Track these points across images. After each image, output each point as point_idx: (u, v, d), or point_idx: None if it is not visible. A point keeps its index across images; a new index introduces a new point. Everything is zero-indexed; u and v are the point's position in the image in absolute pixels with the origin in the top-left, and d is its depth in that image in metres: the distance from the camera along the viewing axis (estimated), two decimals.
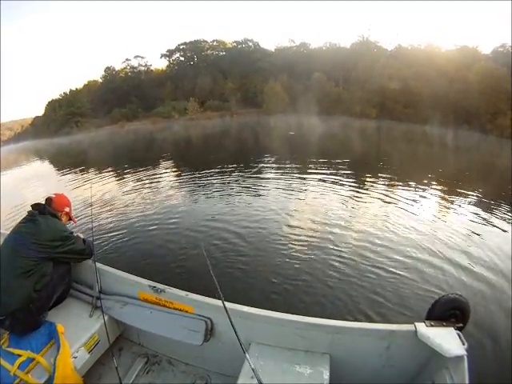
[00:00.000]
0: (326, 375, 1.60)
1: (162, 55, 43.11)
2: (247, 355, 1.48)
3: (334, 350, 1.70)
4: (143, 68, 44.39)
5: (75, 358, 1.93)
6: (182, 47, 42.11)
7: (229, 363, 1.94)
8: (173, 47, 43.36)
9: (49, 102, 50.10)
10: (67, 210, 2.45)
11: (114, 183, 10.38)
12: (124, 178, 10.84)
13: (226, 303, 1.77)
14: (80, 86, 48.74)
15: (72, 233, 2.33)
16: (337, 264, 4.09)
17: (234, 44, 40.22)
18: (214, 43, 41.27)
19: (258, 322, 1.79)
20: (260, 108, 32.60)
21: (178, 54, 42.47)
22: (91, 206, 6.51)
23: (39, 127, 49.43)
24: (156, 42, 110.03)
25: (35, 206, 2.29)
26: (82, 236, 2.58)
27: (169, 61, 43.27)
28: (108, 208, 7.20)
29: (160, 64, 47.47)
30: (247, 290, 3.62)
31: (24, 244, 2.03)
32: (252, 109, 33.47)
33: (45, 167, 17.78)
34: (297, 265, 4.12)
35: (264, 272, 4.02)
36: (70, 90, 48.46)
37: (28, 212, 2.24)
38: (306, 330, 1.71)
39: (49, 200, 2.36)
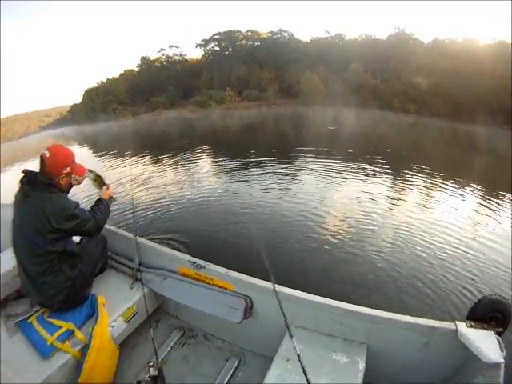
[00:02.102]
0: (362, 366, 1.60)
1: (197, 45, 44.27)
2: (287, 337, 1.43)
3: (371, 341, 1.70)
4: (178, 58, 45.59)
5: (112, 327, 2.01)
6: (216, 37, 43.00)
7: (265, 343, 2.00)
8: (207, 37, 44.03)
9: (86, 90, 52.00)
10: (68, 170, 1.98)
11: (153, 166, 10.76)
12: (162, 162, 11.12)
13: (268, 283, 1.74)
14: (116, 75, 50.55)
15: (78, 205, 2.02)
16: (380, 254, 4.18)
17: (269, 34, 40.82)
18: (249, 33, 42.03)
19: (299, 304, 1.79)
20: (297, 99, 33.28)
21: (212, 44, 43.50)
22: (131, 184, 6.80)
23: (77, 114, 51.23)
24: (190, 33, 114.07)
25: (25, 177, 1.91)
26: (111, 193, 2.38)
27: (204, 50, 44.46)
28: (148, 187, 7.56)
29: (195, 54, 48.70)
30: (289, 271, 3.59)
31: (33, 238, 1.86)
32: (289, 100, 34.20)
33: (83, 151, 17.96)
34: (339, 251, 4.24)
35: (306, 255, 4.09)
36: (107, 79, 50.46)
37: (19, 188, 1.93)
38: (346, 318, 1.70)
39: (42, 163, 1.92)
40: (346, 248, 4.27)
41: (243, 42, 42.12)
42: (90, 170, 2.28)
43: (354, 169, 8.62)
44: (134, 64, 64.94)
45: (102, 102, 46.53)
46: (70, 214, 1.91)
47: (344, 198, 6.28)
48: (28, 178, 1.90)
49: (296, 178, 7.85)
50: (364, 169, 8.58)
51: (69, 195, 2.13)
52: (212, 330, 2.33)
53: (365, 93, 29.93)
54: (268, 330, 1.93)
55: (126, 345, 2.18)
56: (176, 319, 2.48)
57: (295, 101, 33.39)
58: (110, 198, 2.37)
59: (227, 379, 1.96)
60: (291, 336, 1.42)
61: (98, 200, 2.29)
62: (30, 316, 2.10)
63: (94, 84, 51.50)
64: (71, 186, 2.12)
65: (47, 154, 1.91)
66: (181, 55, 45.66)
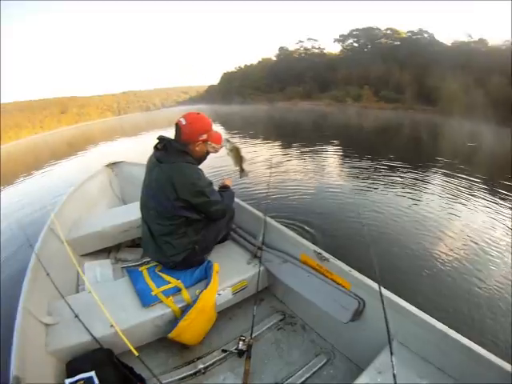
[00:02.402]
0: None
1: (335, 40, 48.80)
2: (386, 351, 1.39)
3: (461, 379, 1.49)
4: (317, 50, 50.97)
5: (219, 295, 2.11)
6: (354, 33, 46.76)
7: (359, 350, 1.96)
8: (346, 32, 47.81)
9: (224, 74, 61.82)
10: (204, 137, 2.02)
11: (285, 151, 11.16)
12: (294, 150, 11.34)
13: (382, 289, 1.64)
14: (254, 62, 58.82)
15: (211, 184, 2.09)
16: (505, 290, 3.70)
17: (409, 34, 42.18)
18: (388, 32, 44.19)
19: (408, 319, 1.65)
20: (435, 107, 34.39)
21: (351, 40, 47.44)
22: (262, 164, 7.46)
23: (214, 94, 60.67)
24: (328, 26, 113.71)
25: (160, 143, 2.01)
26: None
27: (342, 46, 48.62)
28: (277, 170, 7.96)
29: (333, 48, 53.03)
30: (402, 282, 3.44)
31: (162, 202, 1.97)
32: (427, 106, 35.57)
33: (218, 128, 16.29)
34: (461, 275, 3.91)
35: (423, 269, 3.94)
36: (245, 65, 58.56)
37: (153, 152, 2.06)
38: (448, 346, 1.50)
39: (178, 130, 2.00)
40: (468, 273, 3.99)
41: (382, 40, 44.44)
42: (228, 140, 2.31)
43: (489, 192, 7.88)
44: (271, 53, 71.87)
45: (240, 85, 54.75)
46: (199, 190, 1.96)
47: (476, 221, 5.90)
48: (163, 143, 1.98)
49: (428, 189, 7.53)
50: (501, 194, 7.78)
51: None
52: (312, 323, 2.30)
53: (506, 110, 28.13)
54: (368, 338, 1.85)
55: (223, 314, 2.26)
56: (280, 303, 2.51)
57: (434, 109, 33.95)
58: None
59: (310, 374, 1.94)
60: (391, 351, 1.38)
61: (223, 186, 2.39)
62: (142, 265, 2.30)
63: (231, 68, 60.50)
64: (207, 153, 2.16)
65: (183, 121, 1.95)
66: (319, 48, 50.84)
